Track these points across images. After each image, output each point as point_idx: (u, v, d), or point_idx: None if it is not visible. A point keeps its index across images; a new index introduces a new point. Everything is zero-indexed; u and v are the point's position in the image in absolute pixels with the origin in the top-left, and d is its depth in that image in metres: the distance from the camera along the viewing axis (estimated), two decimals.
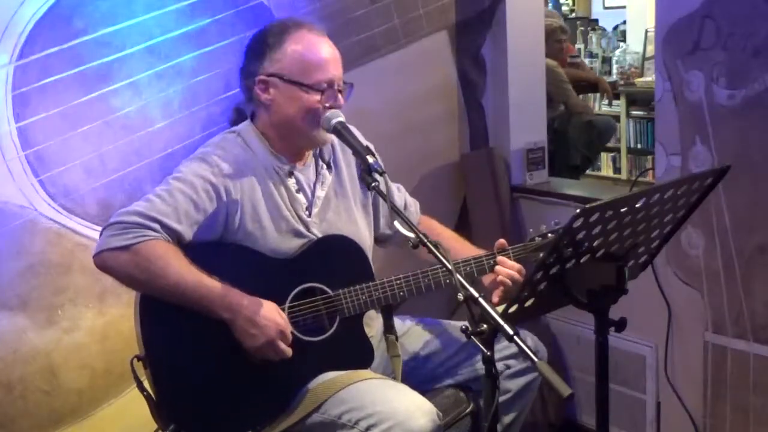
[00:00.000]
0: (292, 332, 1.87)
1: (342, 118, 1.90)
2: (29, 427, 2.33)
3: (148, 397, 1.89)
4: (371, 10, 2.86)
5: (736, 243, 2.39)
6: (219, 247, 1.92)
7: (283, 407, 1.89)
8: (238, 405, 1.87)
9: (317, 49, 1.95)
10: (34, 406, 2.33)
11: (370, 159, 1.79)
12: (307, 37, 1.95)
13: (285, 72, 1.93)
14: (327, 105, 1.93)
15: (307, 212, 2.00)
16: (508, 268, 1.99)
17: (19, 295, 2.28)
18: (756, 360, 2.42)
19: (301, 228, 1.98)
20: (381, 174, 1.76)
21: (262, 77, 1.95)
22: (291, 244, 1.96)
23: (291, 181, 2.00)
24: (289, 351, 1.85)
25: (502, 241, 2.05)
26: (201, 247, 1.87)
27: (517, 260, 2.02)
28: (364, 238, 2.09)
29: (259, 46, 1.97)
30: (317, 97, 1.92)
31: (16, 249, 2.26)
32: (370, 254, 2.09)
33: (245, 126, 2.02)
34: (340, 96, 1.96)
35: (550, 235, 2.03)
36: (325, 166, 2.07)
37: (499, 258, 2.01)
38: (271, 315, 1.83)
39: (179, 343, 1.85)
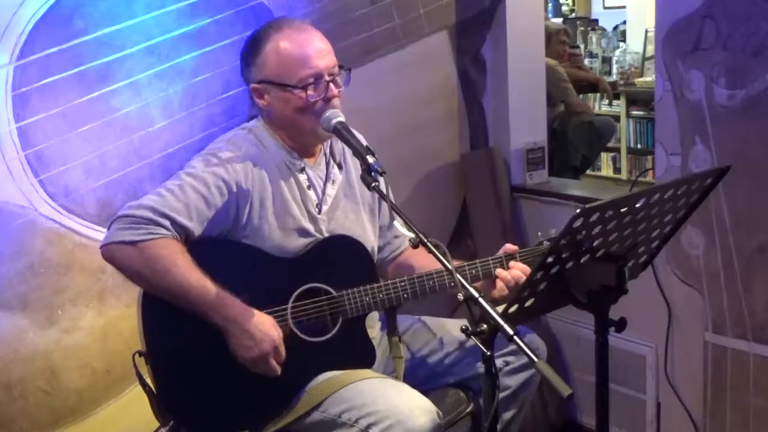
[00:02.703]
0: (294, 333, 1.87)
1: (342, 118, 1.89)
2: (29, 427, 2.33)
3: (149, 393, 1.89)
4: (371, 10, 2.85)
5: (736, 243, 2.39)
6: (225, 246, 1.91)
7: (283, 406, 1.89)
8: (238, 402, 1.87)
9: (296, 46, 1.91)
10: (34, 406, 2.33)
11: (371, 159, 1.77)
12: (286, 35, 1.92)
13: (270, 76, 1.92)
14: (321, 97, 1.90)
15: (317, 209, 2.00)
16: (518, 270, 1.97)
17: (19, 295, 2.27)
18: (756, 360, 2.42)
19: (309, 225, 1.97)
20: (381, 174, 1.75)
21: (253, 86, 1.95)
22: (297, 243, 1.95)
23: (302, 177, 1.99)
24: (278, 370, 1.84)
25: (515, 247, 2.03)
26: (208, 244, 1.87)
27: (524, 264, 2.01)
28: (370, 240, 2.09)
29: (247, 54, 1.97)
30: (306, 94, 1.89)
31: (16, 249, 2.26)
32: (375, 257, 2.09)
33: (257, 123, 2.02)
34: (332, 86, 1.92)
35: None
36: (336, 166, 2.06)
37: (510, 262, 1.99)
38: (268, 329, 1.82)
39: (181, 339, 1.84)
